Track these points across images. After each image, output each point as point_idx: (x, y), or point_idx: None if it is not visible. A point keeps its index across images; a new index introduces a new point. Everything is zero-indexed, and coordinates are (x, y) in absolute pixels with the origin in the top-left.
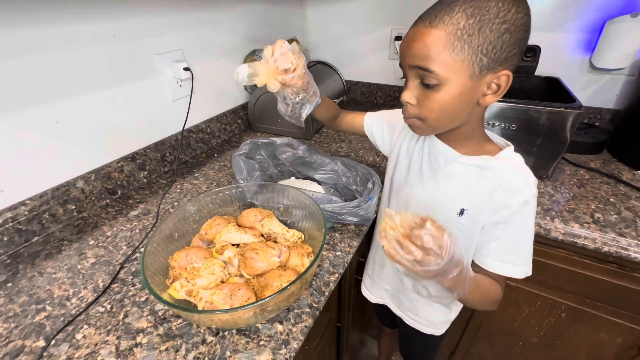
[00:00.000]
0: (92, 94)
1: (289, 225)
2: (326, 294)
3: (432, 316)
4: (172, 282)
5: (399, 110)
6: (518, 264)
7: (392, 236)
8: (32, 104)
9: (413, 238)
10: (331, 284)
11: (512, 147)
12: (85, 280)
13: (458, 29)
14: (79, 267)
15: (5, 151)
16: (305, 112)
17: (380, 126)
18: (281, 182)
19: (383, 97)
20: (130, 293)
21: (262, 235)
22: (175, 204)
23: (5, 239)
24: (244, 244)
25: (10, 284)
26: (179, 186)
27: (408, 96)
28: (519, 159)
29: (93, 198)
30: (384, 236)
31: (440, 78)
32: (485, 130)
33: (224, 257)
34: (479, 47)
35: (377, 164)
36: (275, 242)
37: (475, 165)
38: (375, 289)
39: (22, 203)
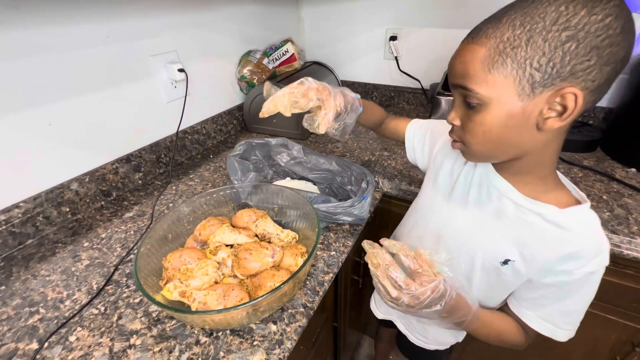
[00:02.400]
0: (86, 95)
1: (284, 226)
2: (320, 293)
3: (442, 337)
4: (166, 284)
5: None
6: (563, 328)
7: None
8: (26, 106)
9: (388, 272)
10: (325, 284)
11: (588, 203)
12: (79, 283)
13: (501, 41)
14: (73, 269)
15: None
16: (349, 129)
17: (422, 136)
18: (276, 182)
19: (379, 97)
20: (124, 295)
21: (256, 235)
22: (171, 205)
23: None
24: (238, 244)
25: (3, 287)
26: (174, 187)
27: (452, 117)
28: (595, 220)
29: (87, 200)
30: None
31: (481, 97)
32: (559, 174)
33: (217, 258)
34: (527, 60)
35: (372, 164)
36: (269, 242)
37: (537, 214)
38: (384, 306)
39: (16, 206)
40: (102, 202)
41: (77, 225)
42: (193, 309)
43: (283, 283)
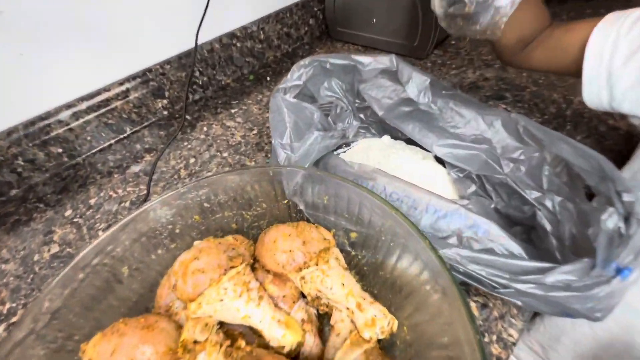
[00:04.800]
0: None
1: (362, 273)
2: None
3: None
4: None
5: None
6: None
7: None
8: None
9: None
10: None
11: None
12: (30, 288)
13: None
14: (35, 258)
15: None
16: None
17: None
18: (361, 142)
19: None
20: None
21: (302, 295)
22: (192, 160)
23: None
24: (252, 329)
25: None
26: (204, 128)
27: None
28: None
29: (88, 137)
30: None
31: None
32: None
33: None
34: None
35: (583, 125)
36: (330, 326)
37: None
38: None
39: None
40: (111, 142)
41: (73, 174)
42: None
43: None
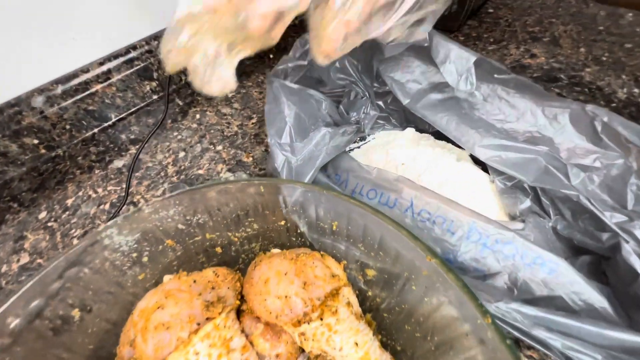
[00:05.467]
0: None
1: (381, 319)
2: None
3: None
4: None
5: None
6: None
7: None
8: None
9: None
10: None
11: None
12: None
13: None
14: (3, 269)
15: None
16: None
17: None
18: (379, 135)
19: None
20: None
21: (302, 351)
22: (182, 154)
23: None
24: None
25: None
26: (197, 115)
27: None
28: None
29: (67, 126)
30: None
31: None
32: None
33: None
34: None
35: None
36: None
37: None
38: None
39: None
40: (94, 130)
41: (52, 168)
42: None
43: None
